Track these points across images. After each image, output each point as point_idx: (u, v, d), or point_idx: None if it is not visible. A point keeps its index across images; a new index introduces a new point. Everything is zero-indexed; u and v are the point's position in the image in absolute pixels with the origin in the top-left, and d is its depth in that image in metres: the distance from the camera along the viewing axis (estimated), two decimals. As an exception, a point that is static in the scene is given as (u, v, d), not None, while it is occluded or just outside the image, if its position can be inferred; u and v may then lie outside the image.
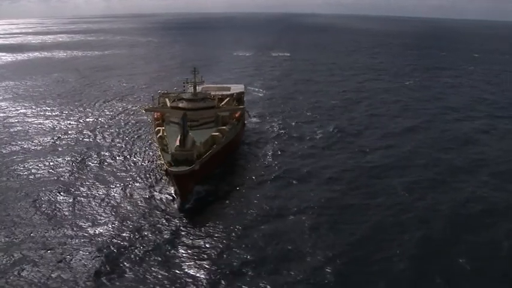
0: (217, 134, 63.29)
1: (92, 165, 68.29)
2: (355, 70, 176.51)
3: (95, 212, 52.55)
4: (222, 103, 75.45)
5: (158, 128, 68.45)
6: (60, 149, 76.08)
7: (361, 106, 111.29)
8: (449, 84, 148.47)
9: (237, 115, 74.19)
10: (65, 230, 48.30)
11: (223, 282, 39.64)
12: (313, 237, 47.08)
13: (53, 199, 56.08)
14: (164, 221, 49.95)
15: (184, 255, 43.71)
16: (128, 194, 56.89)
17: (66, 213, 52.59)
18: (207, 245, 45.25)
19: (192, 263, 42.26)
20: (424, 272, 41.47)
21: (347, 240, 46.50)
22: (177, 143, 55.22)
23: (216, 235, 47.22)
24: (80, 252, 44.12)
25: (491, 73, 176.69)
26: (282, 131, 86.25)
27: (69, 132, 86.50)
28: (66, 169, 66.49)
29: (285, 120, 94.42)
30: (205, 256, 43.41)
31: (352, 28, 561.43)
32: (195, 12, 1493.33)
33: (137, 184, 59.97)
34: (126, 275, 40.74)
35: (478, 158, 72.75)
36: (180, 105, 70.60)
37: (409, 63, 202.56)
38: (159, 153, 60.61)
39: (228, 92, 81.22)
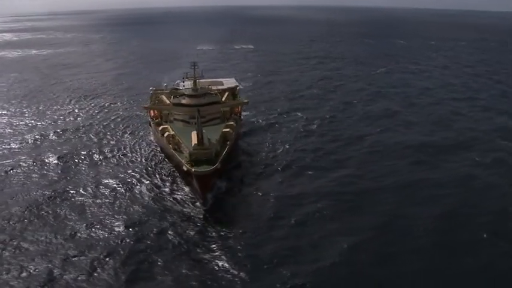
0: (228, 130, 62.27)
1: (92, 166, 66.31)
2: (321, 59, 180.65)
3: (112, 214, 51.40)
4: (223, 98, 74.22)
5: (162, 126, 65.34)
6: (45, 150, 73.22)
7: (337, 94, 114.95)
8: (413, 70, 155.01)
9: (238, 109, 73.62)
10: (90, 234, 47.20)
11: (259, 275, 40.19)
12: (336, 223, 48.70)
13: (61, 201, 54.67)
14: (189, 221, 49.32)
15: (215, 252, 43.38)
16: (143, 196, 55.72)
17: (84, 215, 51.33)
18: (237, 241, 45.25)
19: (225, 259, 42.10)
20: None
21: (368, 223, 48.48)
22: (194, 141, 53.65)
23: (243, 230, 47.34)
24: (110, 254, 43.35)
25: (449, 59, 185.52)
26: (270, 122, 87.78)
27: (54, 133, 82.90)
28: (57, 172, 64.49)
29: (269, 110, 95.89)
30: (236, 252, 43.42)
31: (311, 19, 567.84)
32: (135, 7, 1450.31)
33: (147, 183, 58.90)
34: (159, 277, 40.31)
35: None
36: (183, 101, 67.86)
37: (370, 51, 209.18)
38: (170, 152, 58.58)
39: (223, 87, 79.91)
